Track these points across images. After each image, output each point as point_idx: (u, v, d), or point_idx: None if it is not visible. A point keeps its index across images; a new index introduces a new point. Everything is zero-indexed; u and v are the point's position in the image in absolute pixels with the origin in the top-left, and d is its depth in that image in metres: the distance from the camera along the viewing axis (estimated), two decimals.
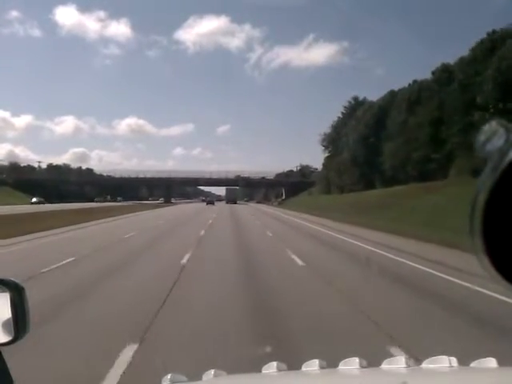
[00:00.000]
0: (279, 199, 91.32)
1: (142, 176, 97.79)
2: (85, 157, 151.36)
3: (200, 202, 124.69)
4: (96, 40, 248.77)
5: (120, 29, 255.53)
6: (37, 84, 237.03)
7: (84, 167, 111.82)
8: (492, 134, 0.57)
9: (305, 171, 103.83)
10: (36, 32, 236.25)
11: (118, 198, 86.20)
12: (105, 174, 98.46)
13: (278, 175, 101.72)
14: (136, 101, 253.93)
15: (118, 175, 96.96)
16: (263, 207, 64.71)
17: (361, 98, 68.66)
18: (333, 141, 72.02)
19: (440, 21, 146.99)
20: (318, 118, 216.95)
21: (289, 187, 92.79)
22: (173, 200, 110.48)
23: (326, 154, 76.52)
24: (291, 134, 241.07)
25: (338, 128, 70.40)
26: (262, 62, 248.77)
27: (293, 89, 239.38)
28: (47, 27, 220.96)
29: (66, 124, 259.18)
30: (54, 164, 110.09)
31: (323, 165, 76.30)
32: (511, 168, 0.54)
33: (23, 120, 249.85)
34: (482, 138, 0.57)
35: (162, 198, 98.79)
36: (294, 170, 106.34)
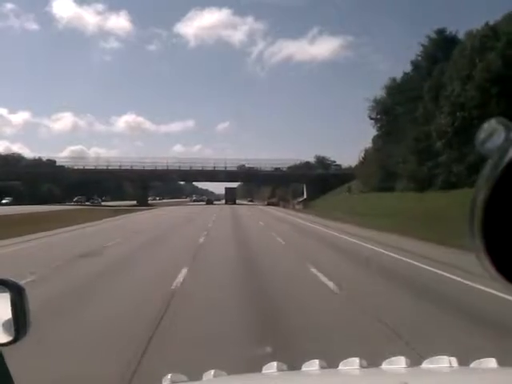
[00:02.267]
0: (299, 199, 72.09)
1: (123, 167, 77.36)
2: (83, 154, 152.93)
3: (192, 202, 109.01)
4: (94, 34, 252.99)
5: (119, 22, 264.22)
6: (34, 79, 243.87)
7: (45, 158, 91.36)
8: (492, 132, 0.57)
9: (325, 163, 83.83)
10: (33, 25, 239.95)
11: (4, 201, 65.07)
12: (76, 167, 79.23)
13: (290, 168, 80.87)
14: (134, 97, 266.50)
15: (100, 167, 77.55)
16: (285, 214, 45.29)
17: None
18: (389, 110, 51.28)
19: (443, 15, 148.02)
20: (322, 113, 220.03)
21: (311, 183, 71.93)
22: (152, 199, 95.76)
23: (375, 133, 56.10)
24: (294, 131, 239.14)
25: (399, 89, 50.20)
26: (264, 56, 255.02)
27: (296, 84, 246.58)
28: (44, 20, 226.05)
29: (64, 121, 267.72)
30: (4, 154, 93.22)
31: (373, 148, 55.95)
32: (511, 167, 0.54)
33: (20, 117, 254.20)
34: (481, 136, 0.57)
35: (97, 199, 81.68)
36: (311, 161, 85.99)
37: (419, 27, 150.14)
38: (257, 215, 38.59)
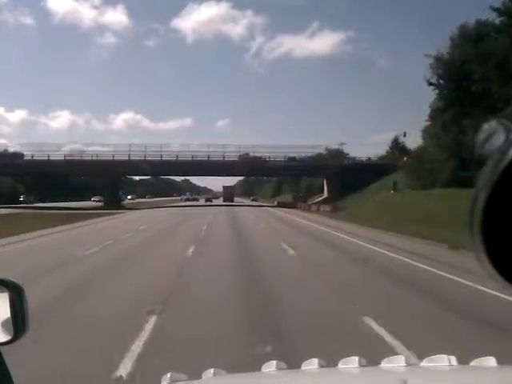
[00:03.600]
0: (318, 199, 58.43)
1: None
2: (81, 153, 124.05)
3: (184, 202, 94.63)
4: (91, 29, 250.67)
5: (116, 16, 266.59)
6: (30, 76, 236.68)
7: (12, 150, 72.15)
8: (492, 133, 0.59)
9: (341, 154, 65.15)
10: (28, 20, 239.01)
11: None
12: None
13: (303, 160, 63.20)
14: (132, 94, 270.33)
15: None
16: (330, 229, 26.41)
17: None
18: (460, 71, 37.71)
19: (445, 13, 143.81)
20: (324, 109, 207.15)
21: (336, 177, 55.73)
22: (123, 200, 73.72)
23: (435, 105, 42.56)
24: (296, 127, 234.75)
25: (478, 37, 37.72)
26: (263, 51, 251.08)
27: (296, 79, 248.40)
28: (40, 15, 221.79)
29: (62, 119, 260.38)
30: None
31: (434, 126, 41.67)
32: (511, 167, 0.57)
33: (18, 115, 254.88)
34: (481, 136, 0.60)
35: None
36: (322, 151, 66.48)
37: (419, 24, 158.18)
38: (282, 233, 24.25)
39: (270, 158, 61.33)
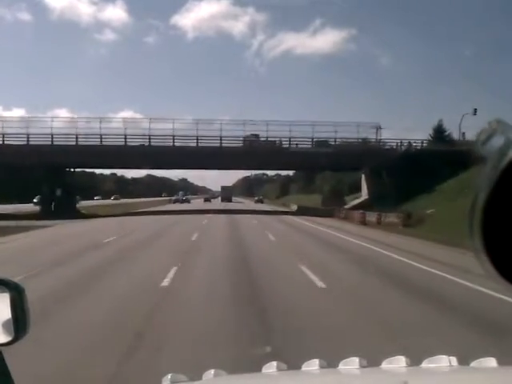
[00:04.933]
0: (352, 202, 45.43)
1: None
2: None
3: (173, 203, 79.45)
4: (89, 25, 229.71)
5: (115, 13, 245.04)
6: (28, 74, 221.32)
7: None
8: (492, 134, 0.60)
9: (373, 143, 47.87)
10: (25, 16, 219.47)
11: None
12: None
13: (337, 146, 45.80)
14: (131, 92, 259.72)
15: None
16: None
17: None
18: None
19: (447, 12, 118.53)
20: (324, 110, 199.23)
21: (386, 171, 40.04)
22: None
23: None
24: (295, 128, 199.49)
25: None
26: (264, 48, 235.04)
27: (298, 78, 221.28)
28: (37, 11, 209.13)
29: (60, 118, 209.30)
30: None
31: None
32: (511, 168, 0.57)
33: (16, 114, 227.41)
34: (481, 137, 0.61)
35: None
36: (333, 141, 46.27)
37: (424, 22, 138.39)
38: None
39: (290, 142, 41.62)
